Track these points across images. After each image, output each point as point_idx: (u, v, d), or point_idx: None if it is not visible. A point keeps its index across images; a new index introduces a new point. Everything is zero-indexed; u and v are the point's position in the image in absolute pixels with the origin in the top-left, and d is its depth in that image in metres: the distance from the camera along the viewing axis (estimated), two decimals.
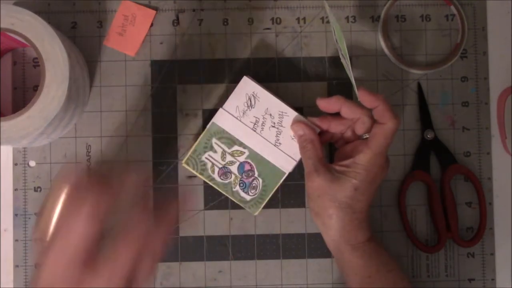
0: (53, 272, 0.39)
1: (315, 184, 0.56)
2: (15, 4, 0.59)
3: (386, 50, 0.64)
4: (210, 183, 0.61)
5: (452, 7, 0.64)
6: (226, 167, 0.61)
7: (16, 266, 0.63)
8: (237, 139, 0.60)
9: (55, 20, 0.64)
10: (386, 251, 0.59)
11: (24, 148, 0.63)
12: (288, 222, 0.63)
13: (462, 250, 0.63)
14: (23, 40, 0.56)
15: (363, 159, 0.55)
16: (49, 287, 0.39)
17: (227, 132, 0.60)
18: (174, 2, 0.64)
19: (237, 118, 0.60)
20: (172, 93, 0.64)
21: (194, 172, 0.61)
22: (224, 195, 0.62)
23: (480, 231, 0.63)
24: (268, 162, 0.60)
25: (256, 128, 0.59)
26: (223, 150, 0.60)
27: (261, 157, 0.60)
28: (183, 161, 0.61)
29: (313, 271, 0.63)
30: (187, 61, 0.64)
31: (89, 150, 0.64)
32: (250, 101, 0.59)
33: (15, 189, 0.63)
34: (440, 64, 0.64)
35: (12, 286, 0.62)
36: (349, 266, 0.58)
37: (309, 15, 0.64)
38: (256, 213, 0.61)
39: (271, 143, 0.60)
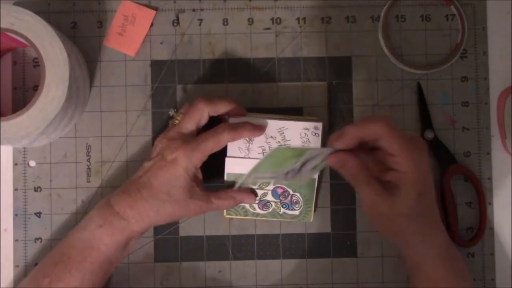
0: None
1: (383, 207, 0.52)
2: (15, 4, 0.59)
3: (386, 50, 0.64)
4: (258, 218, 0.62)
5: (452, 7, 0.64)
6: (262, 200, 0.61)
7: (16, 266, 0.63)
8: None
9: (55, 20, 0.64)
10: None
11: (24, 148, 0.63)
12: (288, 222, 0.63)
13: (462, 250, 0.63)
14: (23, 40, 0.56)
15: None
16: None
17: (244, 174, 0.59)
18: (174, 2, 0.64)
19: (245, 157, 0.59)
20: (172, 93, 0.64)
21: (240, 217, 0.62)
22: None
23: (480, 231, 0.63)
24: None
25: None
26: (251, 189, 0.60)
27: None
28: (225, 214, 0.62)
29: (313, 271, 0.63)
30: (187, 61, 0.64)
31: (89, 150, 0.64)
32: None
33: (15, 189, 0.63)
34: (440, 64, 0.64)
35: (12, 286, 0.62)
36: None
37: (309, 15, 0.64)
38: (311, 220, 0.62)
39: None
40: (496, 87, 0.64)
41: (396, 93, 0.64)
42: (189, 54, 0.64)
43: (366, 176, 0.53)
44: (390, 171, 0.53)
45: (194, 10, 0.64)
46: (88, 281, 0.56)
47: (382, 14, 0.64)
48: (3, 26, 0.56)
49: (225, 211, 0.62)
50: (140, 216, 0.56)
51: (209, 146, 0.55)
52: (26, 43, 0.56)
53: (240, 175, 0.59)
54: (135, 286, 0.63)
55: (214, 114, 0.57)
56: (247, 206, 0.61)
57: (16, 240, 0.63)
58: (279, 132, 0.58)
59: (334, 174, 0.63)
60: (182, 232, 0.63)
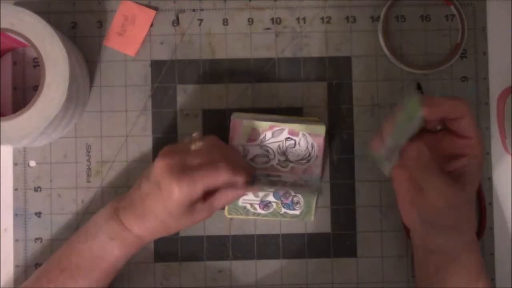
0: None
1: (454, 198, 0.52)
2: (15, 4, 0.59)
3: (386, 50, 0.64)
4: (259, 218, 0.62)
5: (452, 7, 0.64)
6: (264, 200, 0.61)
7: (16, 266, 0.63)
8: None
9: (55, 20, 0.64)
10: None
11: (24, 148, 0.63)
12: (288, 222, 0.63)
13: None
14: (23, 40, 0.56)
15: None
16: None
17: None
18: (174, 2, 0.64)
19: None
20: (172, 93, 0.64)
21: (241, 217, 0.62)
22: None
23: (480, 231, 0.63)
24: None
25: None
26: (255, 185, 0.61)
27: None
28: (226, 213, 0.61)
29: (313, 271, 0.63)
30: (187, 61, 0.64)
31: (89, 150, 0.64)
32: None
33: (15, 189, 0.63)
34: (440, 64, 0.64)
35: (12, 286, 0.62)
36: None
37: (309, 15, 0.64)
38: (312, 219, 0.62)
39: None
40: (496, 87, 0.64)
41: (396, 93, 0.64)
42: (189, 54, 0.64)
43: (438, 167, 0.52)
44: (458, 158, 0.53)
45: (194, 10, 0.64)
46: None
47: (382, 14, 0.64)
48: (3, 26, 0.56)
49: (226, 210, 0.61)
50: (149, 232, 0.56)
51: (205, 182, 0.53)
52: (26, 43, 0.56)
53: None
54: (135, 286, 0.63)
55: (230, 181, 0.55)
56: (248, 206, 0.61)
57: (16, 240, 0.63)
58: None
59: (334, 174, 0.63)
60: (182, 232, 0.63)
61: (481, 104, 0.64)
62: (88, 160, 0.64)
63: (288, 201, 0.61)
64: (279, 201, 0.61)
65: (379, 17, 0.64)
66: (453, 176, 0.53)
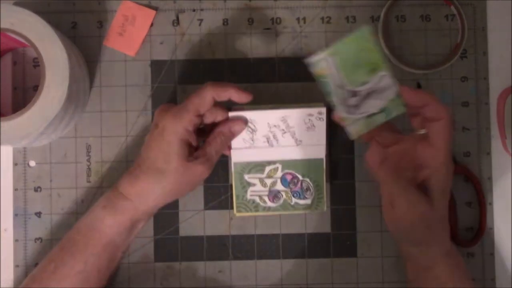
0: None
1: (423, 211, 0.52)
2: (15, 4, 0.59)
3: (386, 50, 0.64)
4: (270, 213, 0.61)
5: (452, 7, 0.64)
6: (272, 190, 0.61)
7: (16, 266, 0.63)
8: (264, 161, 0.60)
9: (55, 20, 0.64)
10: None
11: (24, 148, 0.63)
12: (288, 222, 0.63)
13: (462, 250, 0.63)
14: (23, 40, 0.56)
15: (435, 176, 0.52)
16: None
17: (251, 162, 0.60)
18: (174, 2, 0.64)
19: (250, 148, 0.59)
20: (172, 93, 0.64)
21: (251, 214, 0.61)
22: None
23: (480, 231, 0.63)
24: (302, 160, 0.60)
25: (272, 144, 0.59)
26: (260, 178, 0.60)
27: (294, 160, 0.60)
28: (235, 212, 0.61)
29: (313, 271, 0.63)
30: (187, 61, 0.64)
31: (89, 150, 0.64)
32: (250, 127, 0.59)
33: (15, 189, 0.63)
34: (440, 64, 0.64)
35: (12, 286, 0.62)
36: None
37: (309, 15, 0.64)
38: (325, 208, 0.61)
39: (293, 145, 0.59)
40: (496, 87, 0.64)
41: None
42: (189, 54, 0.64)
43: (405, 179, 0.53)
44: (422, 170, 0.53)
45: (194, 10, 0.64)
46: (92, 265, 0.56)
47: (382, 14, 0.64)
48: (3, 26, 0.56)
49: (235, 209, 0.61)
50: (142, 192, 0.55)
51: (195, 102, 0.54)
52: (26, 43, 0.56)
53: (248, 163, 0.59)
54: (135, 286, 0.63)
55: (218, 98, 0.55)
56: (257, 200, 0.61)
57: (16, 240, 0.63)
58: (282, 120, 0.58)
59: (334, 174, 0.63)
60: (182, 232, 0.63)
61: (481, 104, 0.64)
62: (88, 160, 0.64)
63: (297, 188, 0.60)
64: (288, 189, 0.60)
65: (379, 17, 0.64)
66: (422, 189, 0.53)
